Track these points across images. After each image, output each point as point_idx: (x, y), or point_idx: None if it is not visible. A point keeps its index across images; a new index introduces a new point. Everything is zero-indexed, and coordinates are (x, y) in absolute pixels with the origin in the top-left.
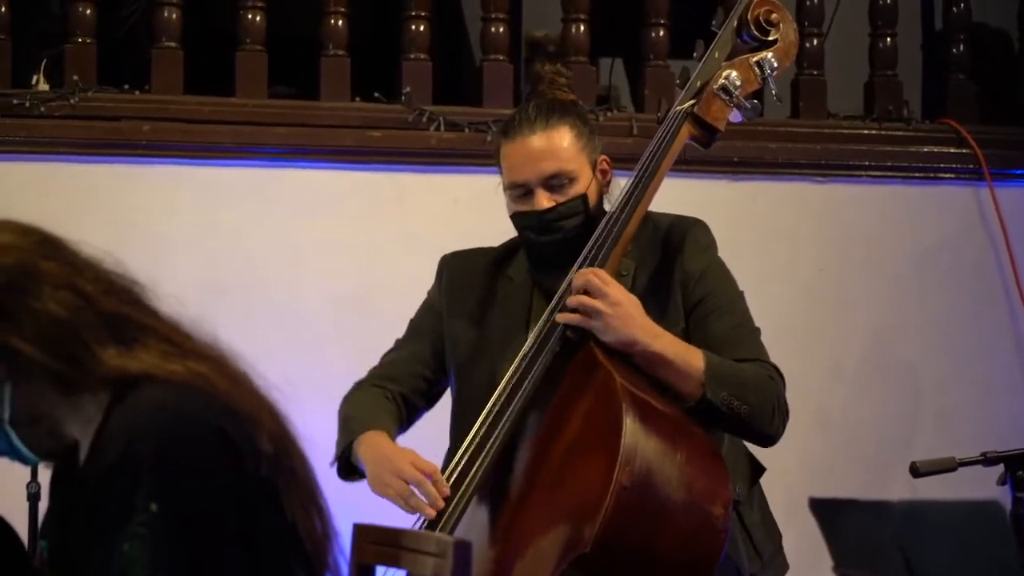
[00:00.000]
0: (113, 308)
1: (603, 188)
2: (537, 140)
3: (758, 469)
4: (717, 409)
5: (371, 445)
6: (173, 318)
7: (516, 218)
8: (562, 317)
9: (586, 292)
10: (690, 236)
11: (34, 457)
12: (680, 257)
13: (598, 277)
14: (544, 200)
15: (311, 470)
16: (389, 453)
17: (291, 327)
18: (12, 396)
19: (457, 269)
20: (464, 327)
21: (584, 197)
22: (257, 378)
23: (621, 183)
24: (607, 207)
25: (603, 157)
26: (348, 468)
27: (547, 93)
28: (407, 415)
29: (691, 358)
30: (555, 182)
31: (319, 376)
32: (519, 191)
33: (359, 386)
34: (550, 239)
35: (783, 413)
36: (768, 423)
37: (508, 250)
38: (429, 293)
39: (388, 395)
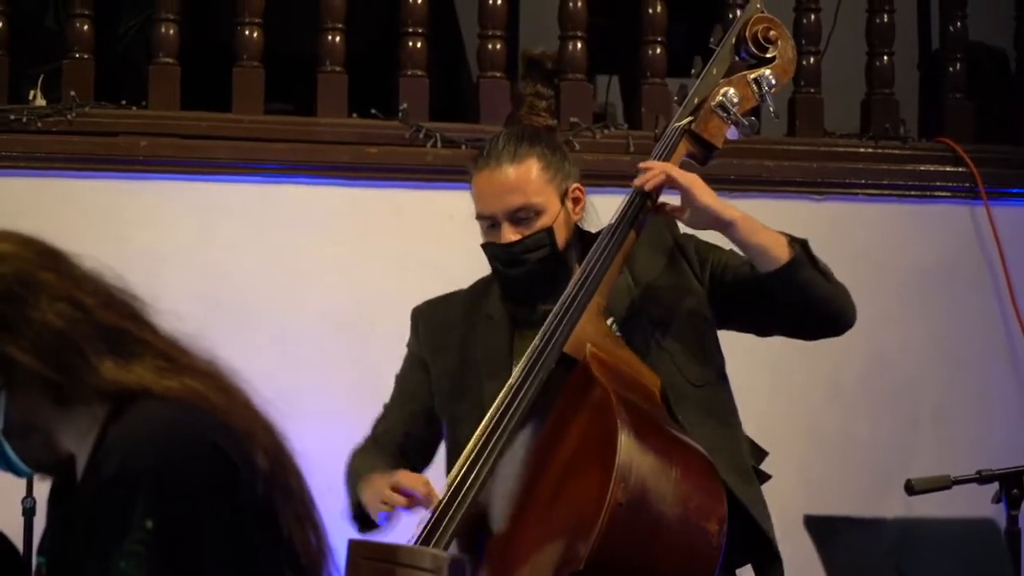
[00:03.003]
0: (111, 321)
1: (576, 216)
2: (503, 173)
3: (761, 453)
4: (812, 263)
5: (367, 485)
6: (171, 334)
7: (485, 248)
8: (670, 172)
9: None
10: (672, 226)
11: (27, 469)
12: (667, 239)
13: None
14: (510, 233)
15: (307, 486)
16: (376, 483)
17: (287, 342)
18: (7, 406)
19: (432, 317)
20: (449, 369)
21: (550, 230)
22: (254, 395)
23: (617, 201)
24: (594, 229)
25: (576, 185)
26: (364, 520)
27: (524, 118)
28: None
29: (770, 228)
30: (521, 215)
31: (315, 392)
32: (487, 223)
33: (357, 449)
34: (516, 272)
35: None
36: (845, 294)
37: (480, 289)
38: (408, 346)
39: (387, 451)
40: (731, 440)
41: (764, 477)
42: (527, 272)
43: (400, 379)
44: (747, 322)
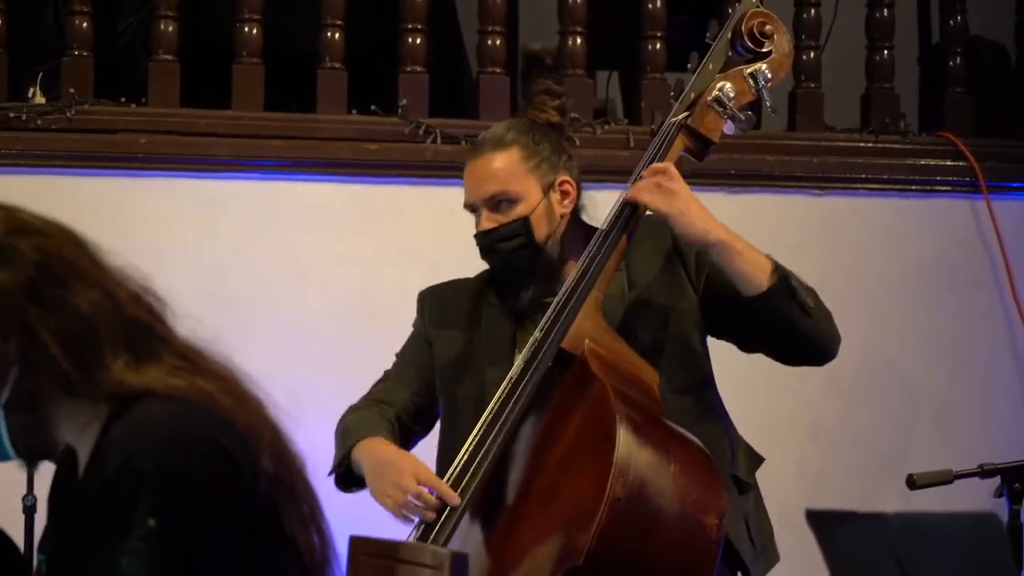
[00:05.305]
0: (137, 315)
1: (564, 209)
2: (483, 162)
3: (756, 459)
4: (790, 296)
5: (371, 451)
6: (188, 337)
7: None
8: (640, 198)
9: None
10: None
11: (12, 452)
12: (667, 240)
13: (669, 172)
14: (486, 221)
15: (313, 490)
16: (390, 459)
17: (288, 340)
18: (15, 380)
19: (438, 300)
20: (451, 353)
21: (526, 220)
22: (268, 401)
23: (616, 197)
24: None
25: (565, 178)
26: (348, 479)
27: (531, 114)
28: (403, 437)
29: (758, 252)
30: (496, 202)
31: (316, 387)
32: (471, 212)
33: (354, 408)
34: (493, 260)
35: (836, 329)
36: (829, 325)
37: (485, 279)
38: (414, 325)
39: (384, 414)
40: (709, 447)
41: (744, 486)
42: (504, 260)
43: (403, 353)
44: (734, 336)
